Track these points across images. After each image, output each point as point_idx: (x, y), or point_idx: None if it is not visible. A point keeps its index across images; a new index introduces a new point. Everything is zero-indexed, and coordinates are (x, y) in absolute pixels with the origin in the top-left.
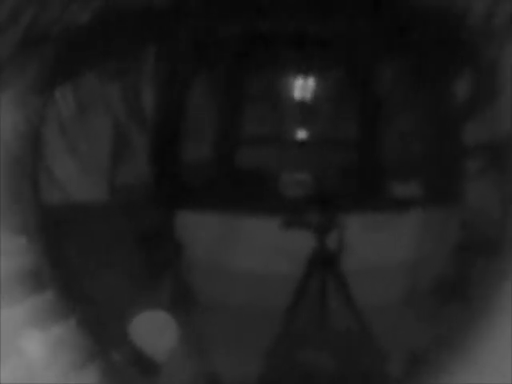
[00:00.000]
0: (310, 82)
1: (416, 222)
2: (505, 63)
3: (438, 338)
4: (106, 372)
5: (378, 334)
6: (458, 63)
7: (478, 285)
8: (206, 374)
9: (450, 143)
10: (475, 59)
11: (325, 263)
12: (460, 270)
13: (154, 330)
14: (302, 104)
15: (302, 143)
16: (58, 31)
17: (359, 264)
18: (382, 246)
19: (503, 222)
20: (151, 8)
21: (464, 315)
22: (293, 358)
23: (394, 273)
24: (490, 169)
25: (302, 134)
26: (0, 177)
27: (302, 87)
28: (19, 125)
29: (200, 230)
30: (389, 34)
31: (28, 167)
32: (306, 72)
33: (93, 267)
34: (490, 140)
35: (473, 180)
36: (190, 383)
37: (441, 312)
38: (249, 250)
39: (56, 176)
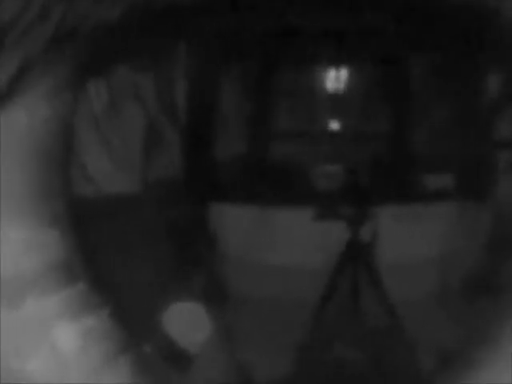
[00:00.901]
0: (342, 75)
1: (448, 216)
2: None
3: (469, 334)
4: (137, 364)
5: (409, 329)
6: (489, 59)
7: (509, 280)
8: (237, 367)
9: (482, 138)
10: (506, 56)
11: (358, 256)
12: (491, 265)
13: (186, 323)
14: (333, 97)
15: (334, 136)
16: (89, 27)
17: (391, 257)
18: (414, 239)
19: None
20: (181, 4)
21: (495, 311)
22: (324, 352)
23: (426, 266)
24: None
25: (333, 127)
26: (34, 171)
27: (334, 80)
28: (51, 120)
29: (233, 223)
30: (421, 28)
31: (61, 161)
32: (337, 65)
33: (125, 260)
34: None
35: (504, 174)
36: (221, 376)
37: (472, 307)
38: (281, 244)
39: (89, 170)
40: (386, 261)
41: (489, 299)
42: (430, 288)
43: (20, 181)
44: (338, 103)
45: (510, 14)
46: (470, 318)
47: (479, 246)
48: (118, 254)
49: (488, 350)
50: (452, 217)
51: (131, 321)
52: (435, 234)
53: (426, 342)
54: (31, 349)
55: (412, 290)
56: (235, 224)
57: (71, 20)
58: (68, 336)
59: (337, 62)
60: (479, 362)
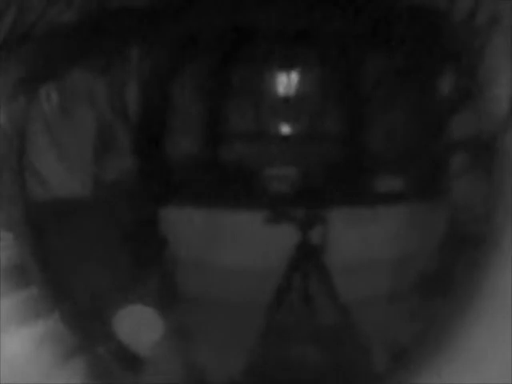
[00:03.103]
0: (294, 78)
1: (401, 218)
2: (488, 60)
3: (421, 334)
4: (90, 366)
5: (361, 329)
6: (441, 60)
7: (462, 281)
8: (190, 369)
9: (435, 139)
10: (458, 56)
11: (308, 258)
12: (444, 266)
13: (138, 325)
14: (285, 99)
15: (286, 138)
16: (41, 31)
17: (343, 259)
18: (366, 241)
19: (487, 218)
20: (134, 6)
21: (448, 311)
22: (278, 353)
23: (379, 268)
24: (474, 164)
25: (285, 129)
26: None
27: (286, 82)
28: (5, 124)
29: (184, 225)
30: (372, 29)
31: (12, 164)
32: (289, 67)
33: (77, 263)
34: (475, 137)
35: (458, 176)
36: (174, 377)
37: (425, 308)
38: (233, 246)
39: (40, 172)
40: (337, 263)
41: (441, 300)
42: (383, 289)
43: None
44: (289, 105)
45: (462, 14)
46: (423, 317)
47: (433, 247)
48: (72, 257)
49: (441, 350)
50: (405, 219)
51: (84, 323)
52: (388, 236)
53: (379, 341)
54: None
55: (365, 290)
56: (186, 226)
57: (23, 23)
58: (18, 340)
59: (289, 63)
60: (432, 362)
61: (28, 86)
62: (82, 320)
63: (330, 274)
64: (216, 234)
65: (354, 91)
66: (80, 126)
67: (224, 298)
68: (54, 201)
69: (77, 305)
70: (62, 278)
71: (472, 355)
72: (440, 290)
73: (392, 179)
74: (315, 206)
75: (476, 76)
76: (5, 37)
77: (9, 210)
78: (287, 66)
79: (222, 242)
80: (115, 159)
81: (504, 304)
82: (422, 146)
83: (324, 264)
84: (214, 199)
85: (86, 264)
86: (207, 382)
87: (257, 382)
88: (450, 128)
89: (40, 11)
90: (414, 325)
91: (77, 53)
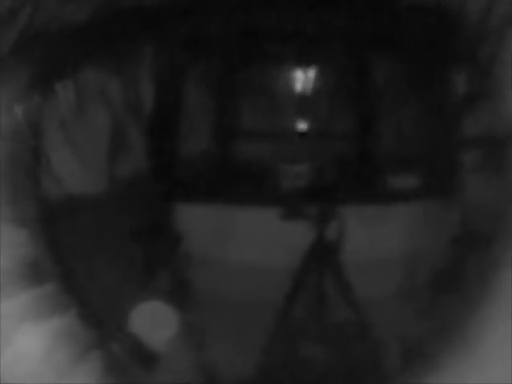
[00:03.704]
0: (307, 75)
1: (413, 215)
2: (501, 60)
3: (434, 331)
4: (105, 364)
5: (374, 326)
6: (454, 58)
7: (474, 278)
8: (203, 366)
9: (448, 136)
10: (471, 55)
11: (323, 255)
12: (456, 264)
13: (152, 322)
14: (298, 96)
15: (299, 135)
16: (55, 29)
17: (357, 256)
18: (379, 238)
19: (499, 216)
20: (147, 5)
21: (460, 308)
22: (290, 351)
23: (392, 265)
24: (487, 163)
25: (299, 127)
26: (3, 173)
27: (299, 80)
28: (20, 122)
29: (197, 223)
30: (386, 27)
31: (27, 161)
32: (302, 65)
33: (91, 260)
34: (488, 135)
35: (470, 174)
36: (187, 374)
37: (437, 306)
38: (246, 243)
39: (55, 169)
40: (351, 260)
41: (454, 297)
42: (396, 286)
43: None
44: (303, 103)
45: (476, 13)
46: (435, 316)
47: (445, 244)
48: (86, 254)
49: (453, 350)
50: (418, 216)
51: (98, 321)
52: (401, 233)
53: (392, 338)
54: None
55: (378, 287)
56: (199, 223)
57: (38, 22)
58: (33, 338)
59: (302, 62)
60: (443, 362)
61: (43, 85)
62: (96, 317)
63: (345, 272)
64: (230, 231)
65: (367, 89)
66: (94, 124)
67: (237, 296)
68: (69, 198)
69: (91, 302)
70: (75, 275)
71: (484, 354)
72: (452, 287)
73: (405, 177)
74: (329, 203)
75: (490, 75)
76: (19, 35)
77: (23, 207)
78: (301, 64)
79: (235, 239)
80: (129, 157)
81: None
82: (435, 143)
83: (339, 262)
84: (227, 196)
85: (100, 261)
86: (218, 381)
87: (268, 381)
88: (464, 126)
89: (54, 10)
90: (426, 323)
91: (90, 51)
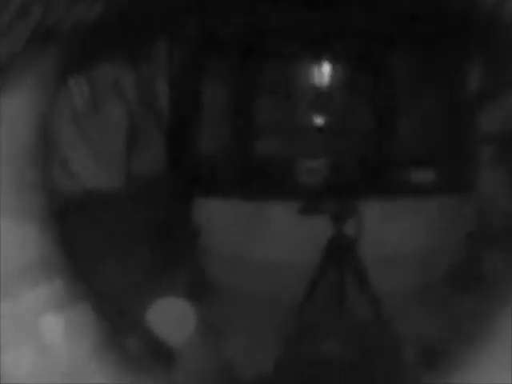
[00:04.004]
0: (326, 71)
1: (432, 210)
2: None
3: (453, 328)
4: (121, 359)
5: (394, 323)
6: (470, 51)
7: (492, 273)
8: (222, 362)
9: (465, 131)
10: (487, 47)
11: (342, 251)
12: (472, 258)
13: (171, 317)
14: (316, 92)
15: (318, 131)
16: (69, 26)
17: (376, 251)
18: (397, 234)
19: None
20: (162, 1)
21: (479, 304)
22: (310, 347)
23: (409, 260)
24: (504, 158)
25: (317, 123)
26: (15, 166)
27: (317, 76)
28: (33, 116)
29: (216, 218)
30: (404, 24)
31: (42, 157)
32: (321, 61)
33: (108, 255)
34: (504, 130)
35: (487, 168)
36: (205, 371)
37: (456, 301)
38: (265, 238)
39: (70, 165)
40: (370, 255)
41: (472, 293)
42: (414, 281)
43: (0, 176)
44: (321, 99)
45: (491, 6)
46: (453, 313)
47: (463, 239)
48: (101, 249)
49: (474, 350)
50: (436, 211)
51: (114, 315)
52: (419, 228)
53: (411, 336)
54: (14, 343)
55: (396, 284)
56: (219, 219)
57: (51, 19)
58: (52, 329)
59: (320, 58)
60: (465, 362)
61: (57, 79)
62: (113, 311)
63: (364, 267)
64: (248, 226)
65: (385, 85)
66: (110, 120)
67: (256, 291)
68: (83, 192)
69: (108, 297)
70: (89, 270)
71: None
72: (469, 285)
73: (423, 172)
74: (348, 198)
75: (506, 70)
76: (34, 30)
77: (36, 201)
78: (319, 61)
79: (255, 234)
80: (145, 152)
81: None
82: (451, 139)
83: (359, 256)
84: (246, 192)
85: (116, 256)
86: (237, 377)
87: (286, 376)
88: (480, 121)
89: (68, 6)
90: (444, 320)
91: (106, 48)
